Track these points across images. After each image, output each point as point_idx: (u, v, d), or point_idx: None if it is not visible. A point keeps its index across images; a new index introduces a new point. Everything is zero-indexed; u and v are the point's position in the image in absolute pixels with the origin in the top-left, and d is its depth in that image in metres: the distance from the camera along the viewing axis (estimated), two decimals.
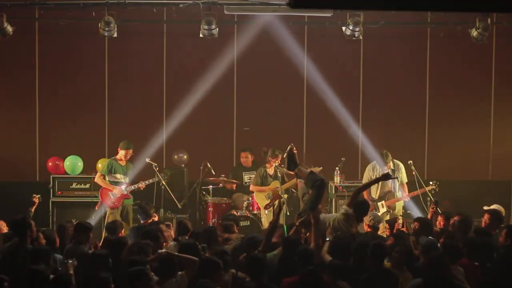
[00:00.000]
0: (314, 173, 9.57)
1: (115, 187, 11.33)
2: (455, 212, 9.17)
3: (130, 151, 11.43)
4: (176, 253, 7.35)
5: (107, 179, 11.39)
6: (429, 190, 11.29)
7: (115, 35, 11.64)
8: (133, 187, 11.41)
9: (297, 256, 7.37)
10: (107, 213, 11.33)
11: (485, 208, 9.50)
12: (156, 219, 9.93)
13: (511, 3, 4.90)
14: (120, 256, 7.47)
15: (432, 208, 9.05)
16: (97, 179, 11.48)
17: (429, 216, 9.09)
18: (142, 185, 11.43)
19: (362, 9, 10.45)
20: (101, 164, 12.21)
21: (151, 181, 11.50)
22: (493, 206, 9.44)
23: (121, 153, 11.42)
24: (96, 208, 11.55)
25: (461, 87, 13.44)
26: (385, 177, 9.96)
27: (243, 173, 12.29)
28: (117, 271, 7.02)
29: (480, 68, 13.55)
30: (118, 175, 11.41)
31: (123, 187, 11.33)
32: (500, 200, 12.35)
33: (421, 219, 8.82)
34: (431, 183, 11.41)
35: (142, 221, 9.92)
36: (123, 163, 11.45)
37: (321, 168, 11.58)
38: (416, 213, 11.18)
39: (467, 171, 13.34)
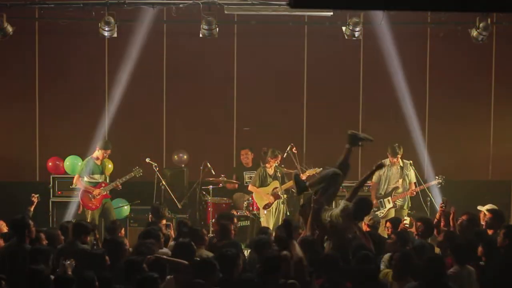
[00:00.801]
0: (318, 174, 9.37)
1: (94, 188, 11.32)
2: (461, 212, 9.11)
3: (108, 151, 11.43)
4: (166, 257, 7.34)
5: (85, 179, 11.37)
6: (434, 184, 11.30)
7: (115, 35, 11.63)
8: (111, 186, 11.41)
9: (319, 262, 7.12)
10: (88, 215, 11.31)
11: (479, 208, 9.47)
12: (164, 221, 9.90)
13: (511, 3, 4.90)
14: (118, 255, 7.45)
15: (441, 207, 8.92)
16: (76, 181, 11.44)
17: (437, 215, 8.98)
18: (118, 184, 11.42)
19: (362, 9, 10.46)
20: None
21: (127, 177, 11.47)
22: (487, 206, 9.41)
23: (99, 153, 11.40)
24: (79, 212, 11.50)
25: (461, 87, 13.44)
26: (379, 166, 9.50)
27: (244, 172, 12.31)
28: (115, 270, 7.02)
29: (480, 68, 13.55)
30: (96, 176, 11.41)
31: (103, 189, 11.34)
32: (500, 200, 12.37)
33: (424, 219, 8.76)
34: (436, 177, 11.40)
35: None
36: (99, 162, 11.45)
37: (321, 168, 11.58)
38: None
39: (467, 171, 13.34)
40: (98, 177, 11.43)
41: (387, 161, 11.51)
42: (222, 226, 8.66)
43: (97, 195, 11.30)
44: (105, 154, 11.41)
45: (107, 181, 11.67)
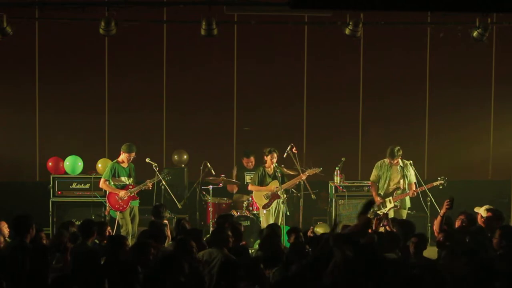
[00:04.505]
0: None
1: (121, 190, 11.33)
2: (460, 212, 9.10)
3: (133, 154, 11.44)
4: None
5: (111, 183, 11.39)
6: (436, 185, 11.28)
7: (115, 35, 11.63)
8: (141, 188, 11.41)
9: None
10: (117, 217, 11.34)
11: (476, 210, 9.45)
12: (166, 221, 9.86)
13: (511, 3, 4.91)
14: (117, 255, 7.45)
15: (448, 205, 8.74)
16: (102, 184, 11.47)
17: (441, 213, 8.90)
18: (150, 184, 11.44)
19: (362, 9, 10.45)
20: (101, 165, 12.21)
21: (156, 179, 11.49)
22: (485, 207, 9.40)
23: (123, 156, 11.43)
24: (106, 214, 11.54)
25: (461, 87, 13.45)
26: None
27: (245, 173, 12.33)
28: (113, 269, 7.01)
29: (480, 68, 13.56)
30: (122, 178, 11.42)
31: (130, 191, 11.35)
32: (500, 200, 12.38)
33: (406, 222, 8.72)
34: (439, 178, 11.38)
35: None
36: (125, 165, 11.47)
37: (321, 168, 11.60)
38: None
39: (467, 171, 13.34)
40: (125, 180, 11.44)
41: (386, 161, 11.51)
42: (234, 228, 8.58)
43: (123, 196, 11.31)
44: (129, 157, 11.43)
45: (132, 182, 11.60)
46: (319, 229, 11.18)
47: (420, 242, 7.90)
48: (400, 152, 11.39)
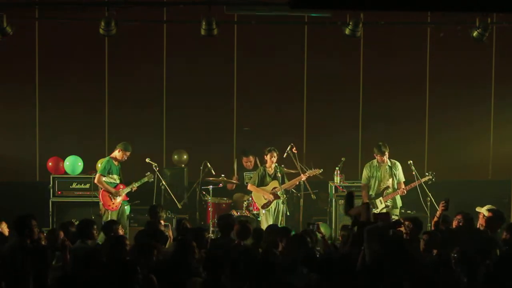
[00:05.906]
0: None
1: (113, 189, 11.34)
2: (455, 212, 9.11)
3: (128, 153, 11.45)
4: None
5: (104, 179, 11.39)
6: (425, 181, 11.29)
7: (115, 35, 11.62)
8: (128, 189, 11.43)
9: None
10: (107, 215, 11.33)
11: (477, 209, 9.47)
12: (162, 222, 9.87)
13: (511, 3, 4.91)
14: (118, 255, 7.46)
15: (443, 206, 8.81)
16: (98, 180, 11.47)
17: (437, 215, 8.93)
18: (134, 187, 11.45)
19: (362, 9, 10.45)
20: (101, 165, 12.21)
21: (142, 181, 11.50)
22: (486, 207, 9.41)
23: (119, 154, 11.43)
24: (101, 213, 11.52)
25: (461, 87, 13.45)
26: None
27: (245, 173, 12.33)
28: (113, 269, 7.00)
29: (480, 68, 13.56)
30: (114, 176, 11.44)
31: (122, 191, 11.38)
32: (500, 200, 12.37)
33: (413, 219, 8.74)
34: (427, 174, 11.40)
35: None
36: (117, 163, 11.48)
37: (322, 170, 11.60)
38: None
39: (467, 171, 13.34)
40: (116, 178, 11.47)
41: (374, 161, 11.51)
42: (243, 227, 8.55)
43: (118, 196, 11.34)
44: (124, 156, 11.43)
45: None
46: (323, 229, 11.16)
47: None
48: (387, 148, 11.37)
